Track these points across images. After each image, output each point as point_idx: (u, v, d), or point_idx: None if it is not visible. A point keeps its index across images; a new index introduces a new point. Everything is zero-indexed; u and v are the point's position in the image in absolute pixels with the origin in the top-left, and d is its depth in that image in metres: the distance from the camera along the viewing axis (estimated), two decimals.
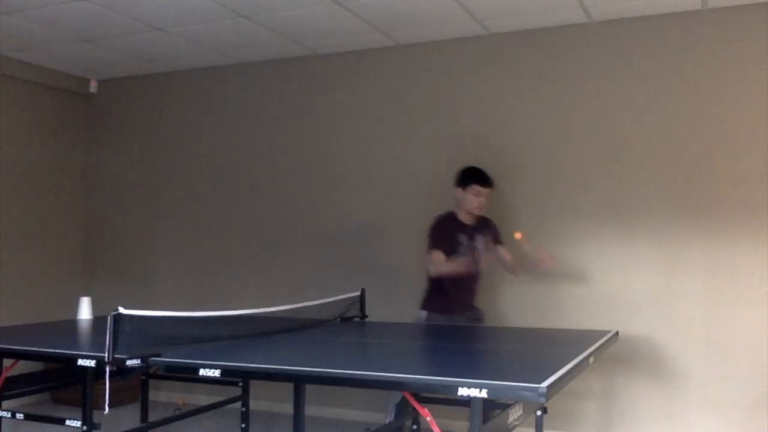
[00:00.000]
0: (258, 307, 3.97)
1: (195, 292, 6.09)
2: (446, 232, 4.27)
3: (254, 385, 4.79)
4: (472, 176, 4.34)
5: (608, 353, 4.73)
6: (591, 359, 3.01)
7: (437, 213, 4.68)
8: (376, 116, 5.56)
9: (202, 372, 2.65)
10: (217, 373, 2.63)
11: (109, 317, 2.76)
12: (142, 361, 2.73)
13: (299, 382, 2.60)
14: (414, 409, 3.19)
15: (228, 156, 6.07)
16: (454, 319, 4.30)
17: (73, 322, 4.34)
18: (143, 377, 4.56)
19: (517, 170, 5.09)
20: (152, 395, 5.58)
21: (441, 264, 4.18)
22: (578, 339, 3.46)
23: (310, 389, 3.53)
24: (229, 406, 4.57)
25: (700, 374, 4.57)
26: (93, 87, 6.59)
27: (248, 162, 5.99)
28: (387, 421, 4.17)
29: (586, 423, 4.85)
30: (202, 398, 5.69)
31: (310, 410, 5.37)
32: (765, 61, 4.52)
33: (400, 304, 5.34)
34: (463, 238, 4.26)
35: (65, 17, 4.90)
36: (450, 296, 4.32)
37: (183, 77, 6.27)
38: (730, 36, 4.60)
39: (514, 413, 2.74)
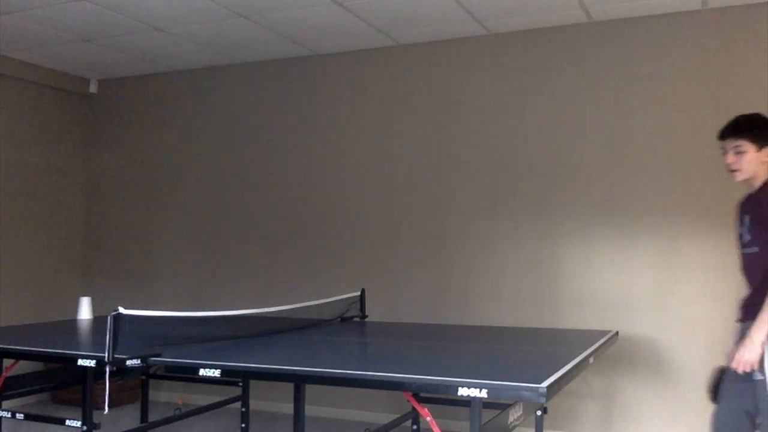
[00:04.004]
0: (258, 307, 3.97)
1: (195, 292, 6.09)
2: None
3: (254, 385, 4.79)
4: None
5: (608, 353, 4.74)
6: (591, 359, 3.01)
7: (435, 213, 4.66)
8: (376, 116, 5.56)
9: (202, 372, 2.65)
10: (217, 373, 2.63)
11: (109, 317, 2.76)
12: (142, 361, 2.73)
13: (299, 382, 2.60)
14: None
15: (228, 156, 6.07)
16: None
17: (73, 322, 4.34)
18: (143, 377, 4.56)
19: (517, 170, 5.09)
20: (152, 395, 5.59)
21: None
22: (578, 339, 3.46)
23: (310, 389, 3.53)
24: (229, 406, 4.57)
25: (700, 374, 4.56)
26: (93, 87, 6.60)
27: (248, 162, 5.99)
28: None
29: (586, 423, 4.85)
30: (202, 398, 5.69)
31: (310, 410, 5.39)
32: (765, 61, 4.52)
33: (400, 304, 5.35)
34: (737, 224, 3.15)
35: (65, 17, 4.90)
36: None
37: (183, 77, 6.27)
38: (730, 36, 4.60)
39: (514, 413, 2.74)
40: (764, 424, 2.93)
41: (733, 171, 3.01)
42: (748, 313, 2.94)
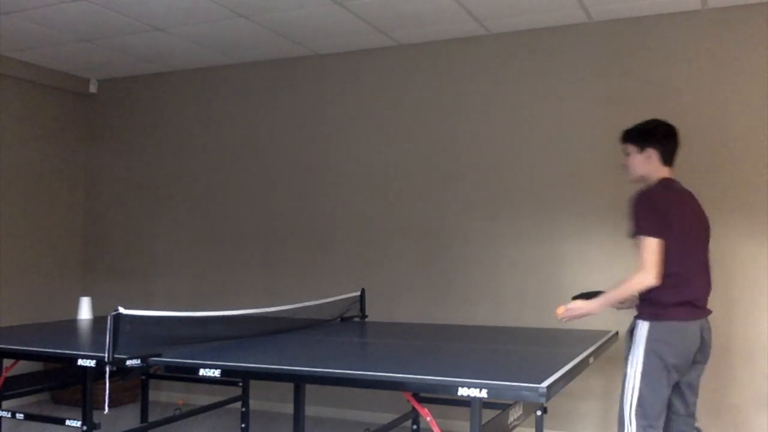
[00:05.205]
0: (258, 307, 3.97)
1: (195, 292, 6.09)
2: None
3: (254, 385, 4.79)
4: None
5: (608, 353, 4.73)
6: (591, 359, 3.01)
7: (435, 213, 4.62)
8: (376, 116, 5.56)
9: (202, 372, 2.65)
10: (217, 373, 2.63)
11: (109, 317, 2.76)
12: (142, 361, 2.73)
13: (299, 382, 2.60)
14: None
15: (227, 156, 6.07)
16: None
17: (73, 322, 4.34)
18: (143, 377, 4.56)
19: (518, 170, 5.09)
20: (152, 395, 5.59)
21: None
22: (578, 339, 3.46)
23: (310, 389, 3.53)
24: (229, 406, 4.57)
25: None
26: (93, 87, 6.60)
27: (248, 162, 5.99)
28: None
29: (586, 423, 4.85)
30: (202, 398, 5.69)
31: (310, 410, 5.40)
32: (765, 61, 4.51)
33: (400, 304, 5.35)
34: None
35: (65, 17, 4.90)
36: None
37: (183, 77, 6.27)
38: (730, 36, 4.60)
39: (514, 413, 2.75)
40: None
41: (624, 170, 3.37)
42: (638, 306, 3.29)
